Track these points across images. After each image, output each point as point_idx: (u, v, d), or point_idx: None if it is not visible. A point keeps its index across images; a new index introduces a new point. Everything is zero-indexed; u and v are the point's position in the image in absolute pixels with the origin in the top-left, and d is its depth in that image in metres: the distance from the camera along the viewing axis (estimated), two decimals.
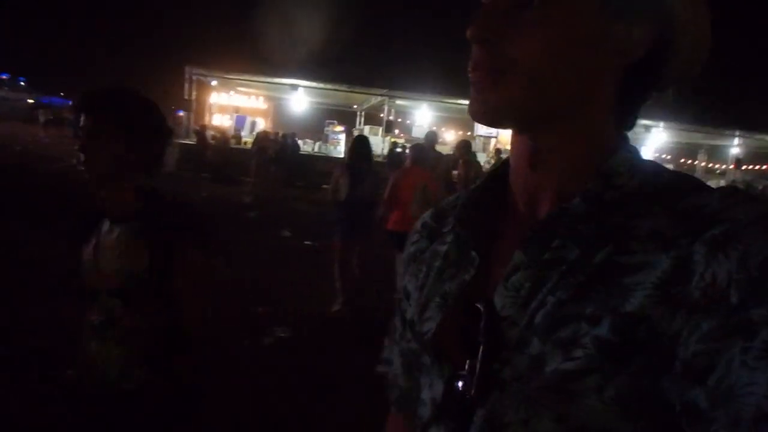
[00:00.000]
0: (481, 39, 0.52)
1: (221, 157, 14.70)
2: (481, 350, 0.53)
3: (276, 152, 12.34)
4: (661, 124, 18.47)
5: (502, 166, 0.63)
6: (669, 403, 0.43)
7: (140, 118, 1.43)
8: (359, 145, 4.95)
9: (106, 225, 1.47)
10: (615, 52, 0.51)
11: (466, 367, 0.54)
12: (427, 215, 0.72)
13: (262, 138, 11.87)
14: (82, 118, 1.39)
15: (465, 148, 7.15)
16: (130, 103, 1.42)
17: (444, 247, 0.65)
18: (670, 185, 0.51)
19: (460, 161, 7.21)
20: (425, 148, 5.40)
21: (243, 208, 9.90)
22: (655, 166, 0.54)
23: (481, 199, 0.62)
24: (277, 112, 22.32)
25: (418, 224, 0.72)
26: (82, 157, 1.38)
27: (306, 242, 7.60)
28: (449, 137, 20.11)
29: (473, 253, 0.60)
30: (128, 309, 1.38)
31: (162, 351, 1.40)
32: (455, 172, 7.47)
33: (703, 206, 0.46)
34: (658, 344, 0.44)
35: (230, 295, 4.18)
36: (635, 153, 0.55)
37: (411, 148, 5.52)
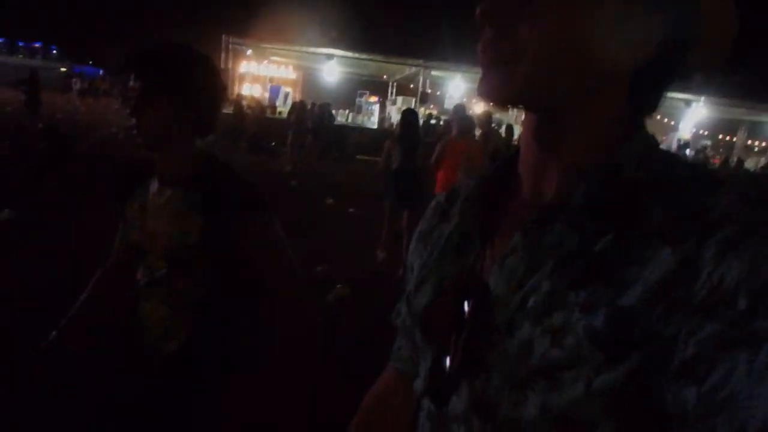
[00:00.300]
0: (489, 22, 0.50)
1: (258, 127, 14.87)
2: (466, 329, 0.53)
3: (313, 122, 12.44)
4: (702, 98, 17.95)
5: (514, 152, 0.63)
6: (661, 402, 0.42)
7: (195, 76, 1.31)
8: (410, 118, 5.35)
9: (154, 185, 1.38)
10: (629, 41, 0.48)
11: (451, 345, 0.55)
12: (441, 195, 0.72)
13: (299, 108, 11.94)
14: (132, 80, 1.28)
15: (486, 119, 7.11)
16: (183, 60, 1.30)
17: (449, 229, 0.65)
18: (682, 179, 0.48)
19: (481, 132, 7.16)
20: (471, 121, 5.50)
21: (284, 177, 10.08)
22: (669, 158, 0.51)
23: (489, 184, 0.62)
24: (306, 81, 22.30)
25: (433, 203, 0.72)
26: (133, 120, 1.28)
27: (350, 209, 7.80)
28: (479, 110, 19.82)
29: (475, 238, 0.60)
30: (175, 272, 1.34)
31: (210, 316, 1.36)
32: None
33: (716, 205, 0.44)
34: (656, 342, 0.42)
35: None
36: (650, 143, 0.52)
37: (456, 119, 5.60)
